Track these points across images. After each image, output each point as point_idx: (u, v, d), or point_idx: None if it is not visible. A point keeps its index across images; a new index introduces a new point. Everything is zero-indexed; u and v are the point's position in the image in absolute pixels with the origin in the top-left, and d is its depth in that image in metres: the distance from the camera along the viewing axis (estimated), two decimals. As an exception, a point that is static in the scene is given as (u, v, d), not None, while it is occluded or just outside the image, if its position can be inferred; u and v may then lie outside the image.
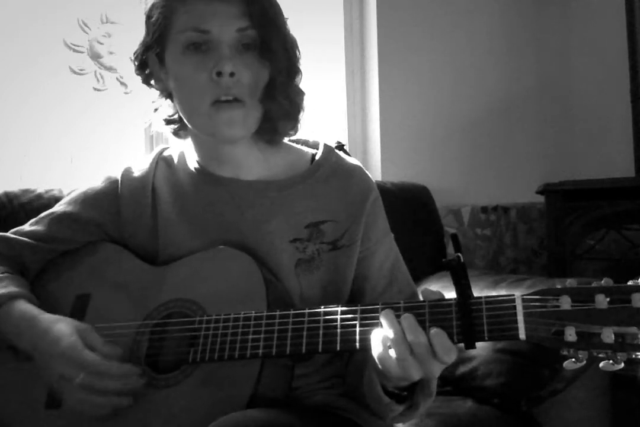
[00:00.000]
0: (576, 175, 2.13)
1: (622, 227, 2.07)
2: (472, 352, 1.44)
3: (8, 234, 1.15)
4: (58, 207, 1.16)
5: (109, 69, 2.08)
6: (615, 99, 2.21)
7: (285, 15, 1.04)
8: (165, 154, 1.17)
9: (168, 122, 1.09)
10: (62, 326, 0.97)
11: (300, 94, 1.06)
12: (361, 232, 1.05)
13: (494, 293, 1.54)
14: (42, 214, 1.16)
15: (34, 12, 2.02)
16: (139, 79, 1.08)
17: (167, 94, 1.06)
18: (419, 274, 1.72)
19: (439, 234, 2.06)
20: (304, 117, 1.07)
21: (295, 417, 0.88)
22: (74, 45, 2.08)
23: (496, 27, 2.40)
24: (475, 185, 2.32)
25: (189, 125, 1.04)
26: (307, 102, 1.07)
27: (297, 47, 1.05)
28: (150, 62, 1.05)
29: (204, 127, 1.02)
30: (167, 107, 1.08)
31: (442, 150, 2.30)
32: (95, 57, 2.09)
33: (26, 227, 1.16)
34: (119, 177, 1.14)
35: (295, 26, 1.04)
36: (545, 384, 1.38)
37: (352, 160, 1.12)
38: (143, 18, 1.05)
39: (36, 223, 1.15)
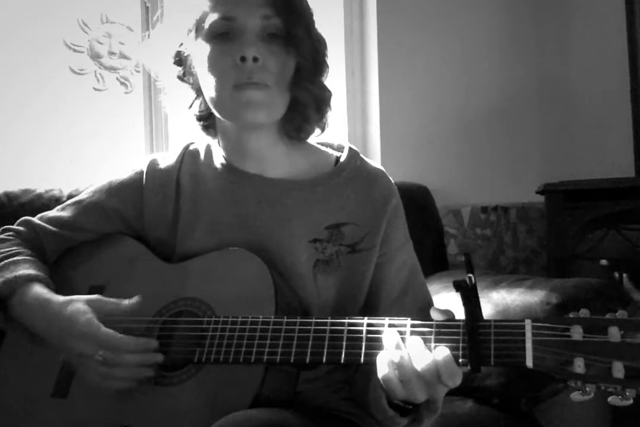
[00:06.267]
0: (576, 176, 2.13)
1: (622, 227, 2.07)
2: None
3: (33, 219, 1.16)
4: (84, 196, 1.16)
5: (109, 69, 2.08)
6: (615, 99, 2.21)
7: None
8: (192, 148, 1.17)
9: (199, 118, 1.10)
10: (75, 306, 0.97)
11: (328, 90, 1.07)
12: (381, 237, 1.05)
13: (494, 293, 1.54)
14: (69, 201, 1.17)
15: (34, 12, 2.02)
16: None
17: (197, 89, 1.07)
18: (419, 274, 1.72)
19: (439, 234, 2.06)
20: (330, 115, 1.09)
21: (296, 418, 0.88)
22: (74, 45, 2.08)
23: (496, 27, 2.39)
24: (475, 185, 2.32)
25: (215, 112, 1.04)
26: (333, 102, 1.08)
27: (325, 43, 1.06)
28: (183, 56, 1.06)
29: (226, 111, 1.02)
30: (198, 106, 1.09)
31: (442, 150, 2.29)
32: (95, 57, 2.09)
33: (52, 212, 1.17)
34: (144, 168, 1.14)
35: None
36: (545, 384, 1.38)
37: (375, 164, 1.13)
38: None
39: (62, 209, 1.16)
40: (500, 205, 2.33)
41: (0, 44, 1.98)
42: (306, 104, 1.03)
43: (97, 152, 2.11)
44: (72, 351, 0.95)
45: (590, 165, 2.26)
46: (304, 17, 1.02)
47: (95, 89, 2.10)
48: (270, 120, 1.02)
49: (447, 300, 1.48)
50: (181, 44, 1.05)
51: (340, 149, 1.14)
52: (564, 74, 2.43)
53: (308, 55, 1.02)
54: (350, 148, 1.13)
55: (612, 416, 1.57)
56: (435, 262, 1.97)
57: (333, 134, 1.14)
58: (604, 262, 2.16)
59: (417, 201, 2.02)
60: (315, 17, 1.06)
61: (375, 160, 2.25)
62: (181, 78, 1.08)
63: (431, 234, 2.02)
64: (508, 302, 1.47)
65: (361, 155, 1.13)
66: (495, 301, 1.50)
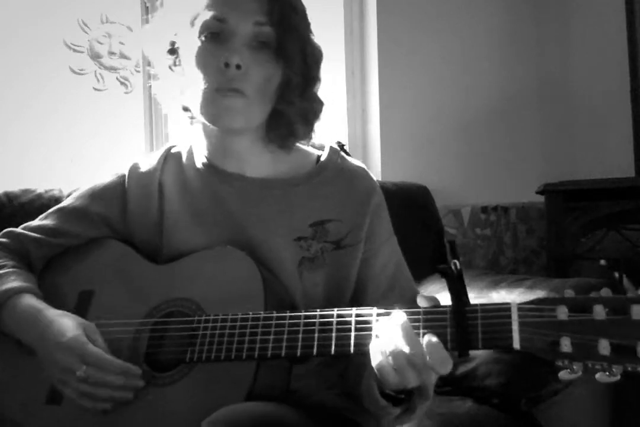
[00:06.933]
0: (576, 176, 2.13)
1: (622, 227, 2.07)
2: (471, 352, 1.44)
3: (17, 229, 1.16)
4: (66, 202, 1.17)
5: (109, 69, 2.08)
6: (615, 99, 2.21)
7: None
8: (174, 151, 1.17)
9: (185, 108, 1.10)
10: (68, 320, 0.98)
11: (319, 102, 1.07)
12: (365, 233, 1.06)
13: (494, 293, 1.54)
14: (51, 209, 1.17)
15: (34, 12, 2.02)
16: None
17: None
18: (419, 274, 1.72)
19: (439, 234, 2.06)
20: (319, 126, 1.08)
21: (291, 411, 0.89)
22: (74, 45, 2.08)
23: (496, 27, 2.40)
24: (475, 185, 2.32)
25: (195, 111, 1.04)
26: (325, 112, 1.07)
27: (320, 56, 1.06)
28: (176, 47, 1.06)
29: (205, 112, 1.02)
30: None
31: (442, 150, 2.30)
32: (95, 57, 2.09)
33: (35, 222, 1.16)
34: (126, 172, 1.14)
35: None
36: (545, 384, 1.38)
37: (356, 162, 1.13)
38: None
39: (45, 218, 1.16)
40: (500, 205, 2.34)
41: (0, 44, 1.98)
42: (291, 119, 1.03)
43: (97, 152, 2.11)
44: (56, 364, 0.94)
45: (590, 165, 2.27)
46: (298, 32, 1.01)
47: (95, 89, 2.10)
48: (247, 126, 1.03)
49: (446, 300, 1.48)
50: (176, 34, 1.05)
51: (321, 148, 1.14)
52: (564, 74, 2.43)
53: (297, 70, 1.01)
54: (331, 147, 1.13)
55: (611, 415, 1.57)
56: (435, 262, 1.96)
57: (333, 134, 1.14)
58: (603, 262, 2.16)
59: (417, 201, 2.03)
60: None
61: (375, 160, 2.26)
62: (171, 67, 1.08)
63: (431, 234, 2.02)
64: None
65: (341, 153, 1.13)
66: (495, 301, 1.50)
